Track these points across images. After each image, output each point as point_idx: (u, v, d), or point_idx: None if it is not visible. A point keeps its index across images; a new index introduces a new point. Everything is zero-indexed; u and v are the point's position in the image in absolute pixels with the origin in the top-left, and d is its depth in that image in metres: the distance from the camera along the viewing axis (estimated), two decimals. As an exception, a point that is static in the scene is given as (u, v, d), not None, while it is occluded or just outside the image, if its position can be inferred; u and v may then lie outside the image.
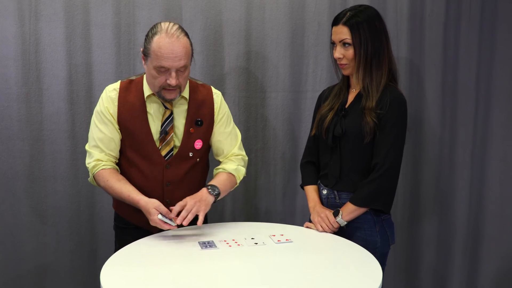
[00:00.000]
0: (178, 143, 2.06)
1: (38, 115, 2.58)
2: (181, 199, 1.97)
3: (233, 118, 2.63)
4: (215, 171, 2.20)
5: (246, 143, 2.84)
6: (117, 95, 2.02)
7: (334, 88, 2.27)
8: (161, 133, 2.03)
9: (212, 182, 2.07)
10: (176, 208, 1.93)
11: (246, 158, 2.26)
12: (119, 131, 2.03)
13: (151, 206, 1.89)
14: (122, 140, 2.05)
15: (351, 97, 2.19)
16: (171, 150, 2.06)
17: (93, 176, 2.04)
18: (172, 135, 2.04)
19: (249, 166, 2.85)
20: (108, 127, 2.02)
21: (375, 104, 2.07)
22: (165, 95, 1.98)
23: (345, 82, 2.22)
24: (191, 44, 1.99)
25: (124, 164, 2.07)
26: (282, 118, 2.84)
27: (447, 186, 2.93)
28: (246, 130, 2.84)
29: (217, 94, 2.17)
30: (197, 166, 2.12)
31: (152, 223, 1.90)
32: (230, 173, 2.16)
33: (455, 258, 2.98)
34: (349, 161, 2.14)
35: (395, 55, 2.16)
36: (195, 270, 1.72)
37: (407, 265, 3.01)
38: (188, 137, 2.06)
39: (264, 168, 2.90)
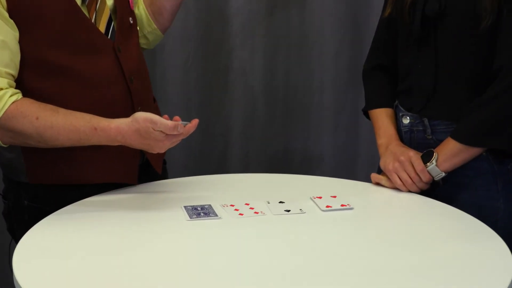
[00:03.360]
0: (109, 1, 2.15)
1: None
2: (147, 102, 2.12)
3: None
4: None
5: (269, 32, 2.93)
6: None
7: None
8: None
9: None
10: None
11: None
12: (13, 23, 1.99)
13: (145, 119, 1.93)
14: (22, 40, 2.01)
15: None
16: (109, 21, 2.12)
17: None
18: None
19: (272, 76, 2.99)
20: None
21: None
22: None
23: None
24: None
25: (37, 81, 2.05)
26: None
27: None
28: (269, 7, 2.90)
29: None
30: (139, 46, 2.28)
31: (163, 148, 1.99)
32: None
33: None
34: (451, 64, 2.16)
35: None
36: (177, 257, 1.71)
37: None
38: None
39: (299, 77, 2.97)
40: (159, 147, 1.98)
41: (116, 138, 1.96)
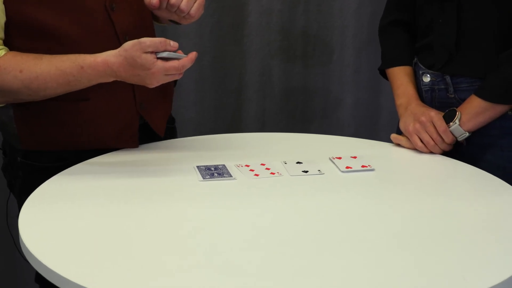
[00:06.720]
0: None
1: None
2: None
3: None
4: None
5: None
6: None
7: None
8: None
9: None
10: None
11: None
12: None
13: (133, 44, 1.86)
14: (7, 0, 1.97)
15: None
16: None
17: None
18: None
19: (290, 31, 2.98)
20: None
21: None
22: None
23: None
24: None
25: (26, 44, 2.02)
26: None
27: None
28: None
29: None
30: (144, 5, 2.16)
31: (156, 79, 1.90)
32: None
33: None
34: (474, 18, 2.13)
35: None
36: (189, 219, 1.70)
37: None
38: None
39: (318, 33, 2.98)
40: (150, 78, 1.88)
41: (106, 72, 1.90)
